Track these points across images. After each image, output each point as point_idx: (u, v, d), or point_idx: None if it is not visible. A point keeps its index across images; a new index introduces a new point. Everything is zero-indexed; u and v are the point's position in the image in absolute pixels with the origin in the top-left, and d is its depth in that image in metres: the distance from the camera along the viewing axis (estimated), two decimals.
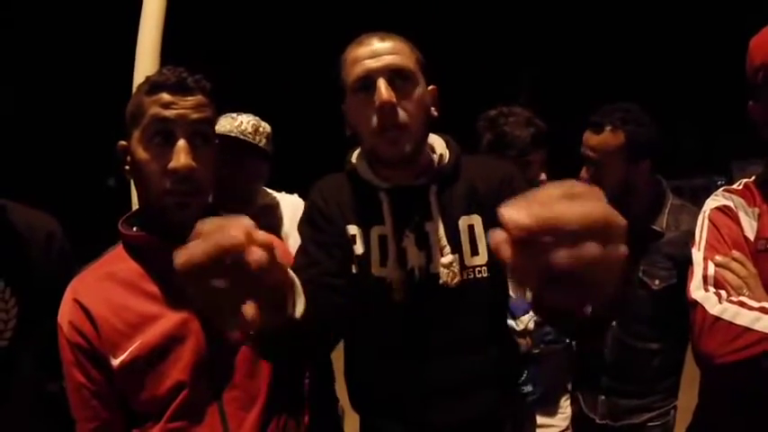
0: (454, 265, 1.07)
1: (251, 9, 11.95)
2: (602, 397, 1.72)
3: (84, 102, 9.77)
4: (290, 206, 1.76)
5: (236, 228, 0.52)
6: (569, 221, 0.43)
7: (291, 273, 0.82)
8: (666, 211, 1.64)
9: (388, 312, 1.09)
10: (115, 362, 0.98)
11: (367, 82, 1.03)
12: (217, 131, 1.61)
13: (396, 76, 1.03)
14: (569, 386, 1.88)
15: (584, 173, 1.71)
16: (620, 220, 0.46)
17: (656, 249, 1.62)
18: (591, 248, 0.43)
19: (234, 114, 1.63)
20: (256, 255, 0.51)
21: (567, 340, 1.76)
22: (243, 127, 1.60)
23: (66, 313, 1.01)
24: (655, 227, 1.63)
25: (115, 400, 1.01)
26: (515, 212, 0.44)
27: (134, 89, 1.06)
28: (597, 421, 1.74)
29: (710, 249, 1.08)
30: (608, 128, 1.63)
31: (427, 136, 1.12)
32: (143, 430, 1.01)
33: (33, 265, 1.15)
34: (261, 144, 1.64)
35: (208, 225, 0.53)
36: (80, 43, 9.88)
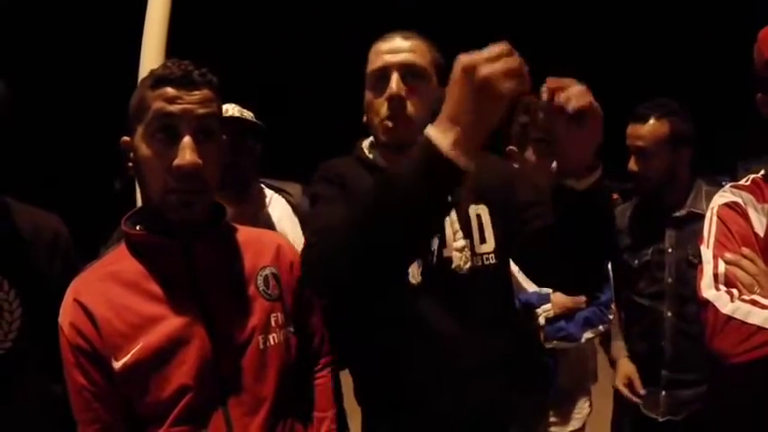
0: (466, 249, 1.14)
1: (258, 1, 11.87)
2: (663, 393, 1.74)
3: (88, 98, 9.67)
4: (280, 206, 1.75)
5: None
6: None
7: None
8: (704, 197, 1.73)
9: (404, 295, 1.12)
10: (117, 364, 0.95)
11: (382, 74, 1.13)
12: None
13: (409, 72, 1.12)
14: (591, 387, 1.87)
15: (632, 164, 1.80)
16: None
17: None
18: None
19: None
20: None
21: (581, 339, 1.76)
22: (231, 113, 1.61)
23: (66, 314, 0.98)
24: (697, 210, 1.71)
25: (117, 402, 0.98)
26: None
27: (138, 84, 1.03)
28: (659, 420, 1.73)
29: (719, 246, 1.08)
30: (653, 118, 1.75)
31: None
32: None
33: (39, 266, 1.15)
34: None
35: None
36: (83, 36, 9.76)
